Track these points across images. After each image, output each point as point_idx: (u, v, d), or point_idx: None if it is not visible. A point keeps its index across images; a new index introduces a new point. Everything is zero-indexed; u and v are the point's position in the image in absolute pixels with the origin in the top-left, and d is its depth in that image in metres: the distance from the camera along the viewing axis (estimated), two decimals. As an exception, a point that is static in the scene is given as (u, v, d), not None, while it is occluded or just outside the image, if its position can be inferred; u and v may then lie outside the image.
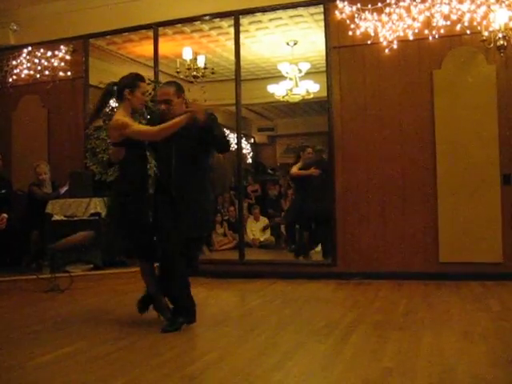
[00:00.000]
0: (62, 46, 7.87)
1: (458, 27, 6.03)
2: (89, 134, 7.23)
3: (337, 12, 6.49)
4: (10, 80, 8.15)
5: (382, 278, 6.14)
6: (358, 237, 6.42)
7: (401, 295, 5.36)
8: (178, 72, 7.71)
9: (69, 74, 7.86)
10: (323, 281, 6.30)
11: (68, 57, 7.86)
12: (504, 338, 3.73)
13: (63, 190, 7.08)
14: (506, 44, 5.67)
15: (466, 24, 6.00)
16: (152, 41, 7.59)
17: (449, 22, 6.07)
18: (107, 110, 7.01)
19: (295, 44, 9.04)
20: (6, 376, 3.14)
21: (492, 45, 5.75)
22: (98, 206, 6.75)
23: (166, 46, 8.12)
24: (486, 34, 5.77)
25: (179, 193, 4.14)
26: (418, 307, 4.80)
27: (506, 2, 5.76)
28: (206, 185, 4.30)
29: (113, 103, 7.14)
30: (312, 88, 9.49)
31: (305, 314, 4.73)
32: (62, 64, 7.88)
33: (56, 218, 6.66)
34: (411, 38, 6.22)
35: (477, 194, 5.99)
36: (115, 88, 4.31)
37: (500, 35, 5.69)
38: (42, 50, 7.99)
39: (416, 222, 6.19)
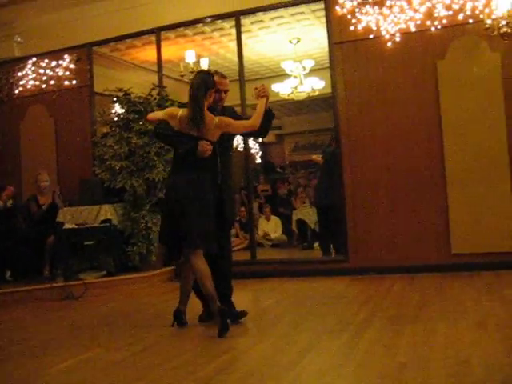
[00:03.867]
0: (65, 55, 7.92)
1: (461, 16, 6.00)
2: (96, 142, 7.28)
3: (337, 7, 6.48)
4: (17, 91, 8.22)
5: (395, 272, 6.11)
6: (368, 232, 6.39)
7: (414, 288, 5.33)
8: (182, 76, 7.71)
9: (74, 82, 7.91)
10: (336, 277, 6.28)
11: (72, 66, 7.92)
12: (519, 327, 3.70)
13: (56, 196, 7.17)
14: (509, 31, 5.61)
15: (469, 13, 5.97)
16: (155, 45, 7.63)
17: (451, 12, 6.04)
18: (113, 117, 7.10)
19: (298, 42, 9.04)
20: (23, 385, 3.18)
21: (495, 32, 5.69)
22: (108, 212, 6.79)
23: (170, 50, 8.15)
24: (488, 21, 5.70)
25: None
26: (431, 300, 4.77)
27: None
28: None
29: (118, 109, 7.24)
30: (317, 85, 9.48)
31: (318, 311, 4.72)
32: (67, 73, 7.93)
33: (67, 226, 6.71)
34: (413, 29, 6.20)
35: (487, 183, 5.95)
36: None
37: (503, 22, 5.61)
38: (46, 61, 8.05)
39: (427, 214, 6.16)
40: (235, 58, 7.29)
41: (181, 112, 4.10)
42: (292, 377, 2.98)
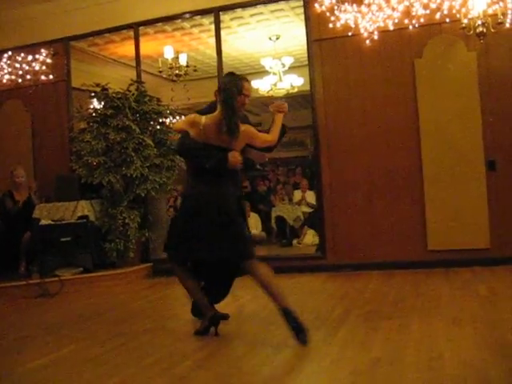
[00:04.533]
0: (42, 50, 7.81)
1: (438, 16, 6.05)
2: (73, 137, 7.21)
3: (316, 5, 6.48)
4: (-8, 86, 8.10)
5: (372, 268, 6.16)
6: (346, 229, 6.43)
7: (390, 285, 5.37)
8: (160, 71, 7.67)
9: (51, 77, 7.81)
10: (314, 274, 6.31)
11: (49, 60, 7.81)
12: (492, 322, 3.76)
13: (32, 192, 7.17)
14: (485, 31, 5.67)
15: (446, 12, 6.02)
16: (133, 41, 7.57)
17: (428, 11, 6.08)
18: (91, 112, 7.03)
19: (278, 38, 9.04)
20: (-5, 383, 3.14)
21: (472, 32, 5.74)
22: (85, 208, 6.73)
23: (149, 46, 8.10)
24: (465, 21, 5.75)
25: None
26: (407, 296, 4.82)
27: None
28: None
29: (96, 104, 7.18)
30: (296, 82, 9.50)
31: (294, 307, 4.71)
32: (44, 67, 7.83)
33: (43, 222, 6.64)
34: (391, 28, 6.23)
35: (463, 180, 6.02)
36: None
37: (479, 22, 5.67)
38: (22, 54, 7.92)
39: (403, 212, 6.22)
40: (215, 55, 7.27)
41: (205, 119, 3.74)
42: (266, 373, 2.99)
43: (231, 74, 3.97)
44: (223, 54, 7.24)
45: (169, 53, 7.52)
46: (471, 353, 3.09)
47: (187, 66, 7.67)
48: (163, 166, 6.99)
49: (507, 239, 5.89)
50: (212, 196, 3.78)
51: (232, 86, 3.75)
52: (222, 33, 7.31)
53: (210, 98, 8.17)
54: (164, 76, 7.86)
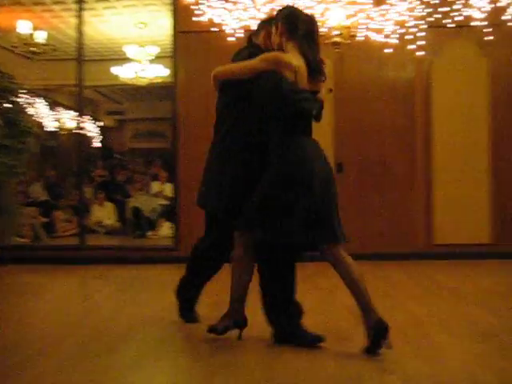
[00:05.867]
0: None
1: (299, 21, 6.32)
2: None
3: (184, -4, 6.50)
4: None
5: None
6: (200, 221, 6.48)
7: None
8: (14, 47, 7.20)
9: None
10: (165, 265, 6.30)
11: None
12: (328, 311, 4.08)
13: None
14: (340, 41, 6.04)
15: (306, 19, 6.31)
16: (-15, 10, 7.06)
17: (290, 16, 6.33)
18: None
19: (144, 26, 8.89)
20: None
21: (328, 41, 6.09)
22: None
23: (3, 17, 7.56)
24: (323, 29, 6.09)
25: None
26: (252, 288, 4.96)
27: (343, 2, 6.14)
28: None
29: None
30: (161, 72, 9.41)
31: (142, 298, 4.70)
32: None
33: None
34: (255, 28, 6.39)
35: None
36: None
37: (336, 32, 6.04)
38: None
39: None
40: (76, 35, 6.99)
41: (295, 60, 3.04)
42: (106, 363, 2.94)
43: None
44: (86, 37, 7.00)
45: (24, 27, 7.07)
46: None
47: (45, 45, 7.28)
48: (13, 148, 6.57)
49: (352, 235, 6.30)
50: (318, 157, 3.17)
51: (310, 18, 3.22)
52: (86, 14, 7.06)
53: (69, 81, 7.82)
54: (18, 52, 7.40)
